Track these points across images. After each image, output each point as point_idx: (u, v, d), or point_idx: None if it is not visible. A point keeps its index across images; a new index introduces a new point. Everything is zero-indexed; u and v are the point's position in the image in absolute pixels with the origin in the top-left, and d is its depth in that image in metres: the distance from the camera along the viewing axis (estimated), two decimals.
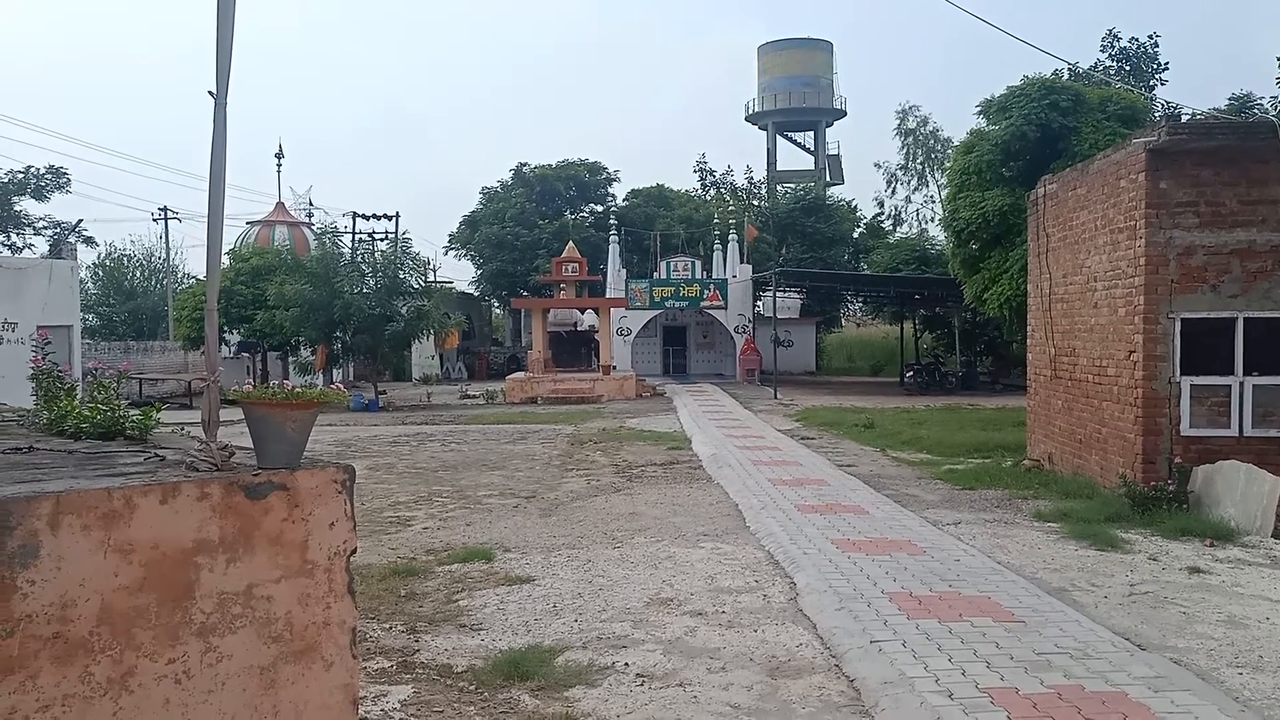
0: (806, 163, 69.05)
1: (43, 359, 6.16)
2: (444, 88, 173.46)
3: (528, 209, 48.60)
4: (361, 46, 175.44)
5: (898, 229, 53.87)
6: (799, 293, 44.19)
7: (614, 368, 33.49)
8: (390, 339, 30.35)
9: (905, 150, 54.99)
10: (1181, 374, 10.52)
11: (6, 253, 37.44)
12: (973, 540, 9.02)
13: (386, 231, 40.76)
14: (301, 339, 31.20)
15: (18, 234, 40.78)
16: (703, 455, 15.51)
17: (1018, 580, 7.52)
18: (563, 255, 35.83)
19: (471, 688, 5.39)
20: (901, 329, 40.28)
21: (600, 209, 51.66)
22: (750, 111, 70.02)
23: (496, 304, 54.10)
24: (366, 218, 41.38)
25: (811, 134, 69.57)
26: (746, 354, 37.59)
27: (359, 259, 32.26)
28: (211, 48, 3.56)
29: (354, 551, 3.50)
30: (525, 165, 51.40)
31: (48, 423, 4.84)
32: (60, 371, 5.86)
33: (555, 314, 37.28)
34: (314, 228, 41.39)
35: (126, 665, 2.99)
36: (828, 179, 63.36)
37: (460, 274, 68.12)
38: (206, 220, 3.59)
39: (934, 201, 52.72)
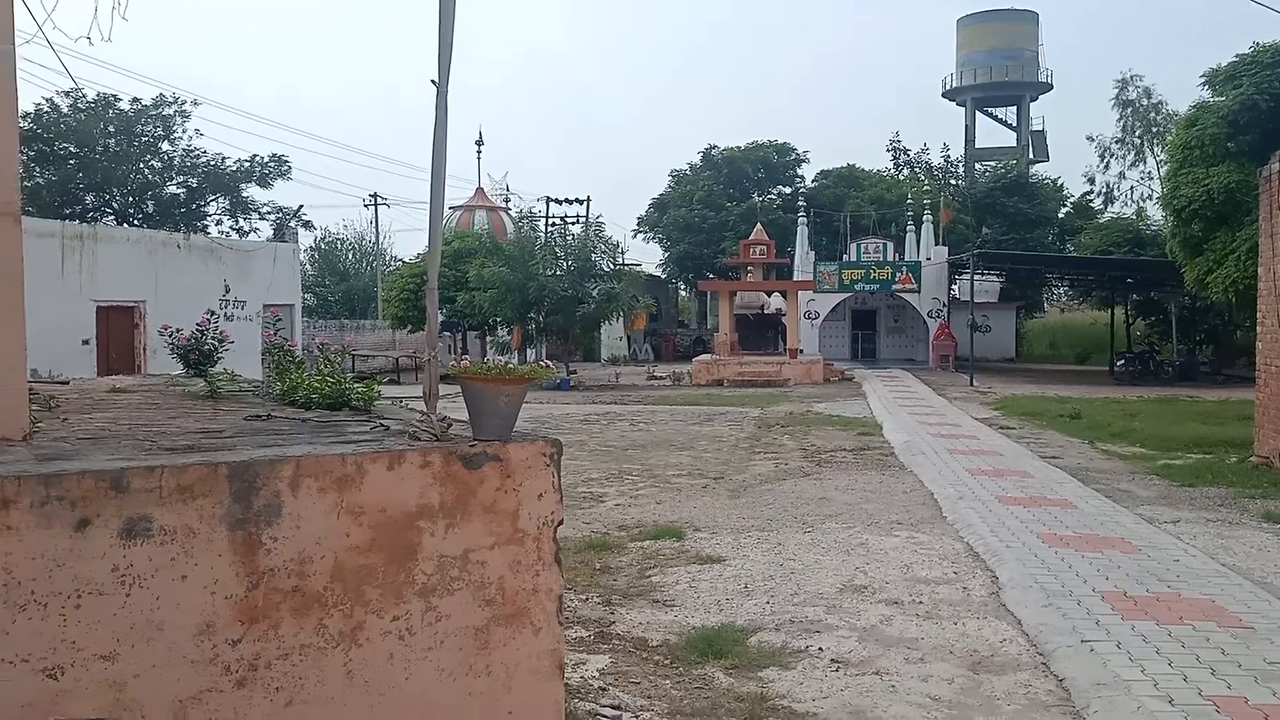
0: (1008, 139, 65.95)
1: (274, 334, 6.67)
2: (635, 71, 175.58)
3: (715, 191, 48.67)
4: (554, 31, 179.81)
5: (1110, 207, 50.69)
6: (998, 276, 42.35)
7: (801, 351, 33.13)
8: (581, 320, 31.15)
9: (1122, 123, 51.49)
10: None
11: (235, 236, 40.55)
12: (1193, 540, 8.42)
13: (578, 215, 41.79)
14: (499, 319, 32.42)
15: (245, 219, 44.13)
16: (895, 442, 15.13)
17: (1244, 584, 6.96)
18: (750, 237, 35.66)
19: (666, 662, 5.47)
20: (1112, 314, 37.94)
21: (789, 190, 51.13)
22: (947, 87, 67.44)
23: (683, 286, 54.49)
24: (559, 202, 42.54)
25: (1014, 109, 66.35)
26: (940, 339, 36.37)
27: (553, 242, 33.20)
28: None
29: (560, 522, 3.60)
30: (714, 148, 51.46)
31: (281, 393, 5.21)
32: (289, 346, 6.32)
33: (742, 296, 37.19)
34: (511, 212, 42.88)
35: (356, 620, 3.19)
36: (1031, 156, 60.29)
37: (648, 256, 69.06)
38: (429, 201, 3.77)
39: (1152, 178, 49.27)
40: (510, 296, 29.68)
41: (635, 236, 54.29)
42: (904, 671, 5.36)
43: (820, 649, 5.69)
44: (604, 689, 5.00)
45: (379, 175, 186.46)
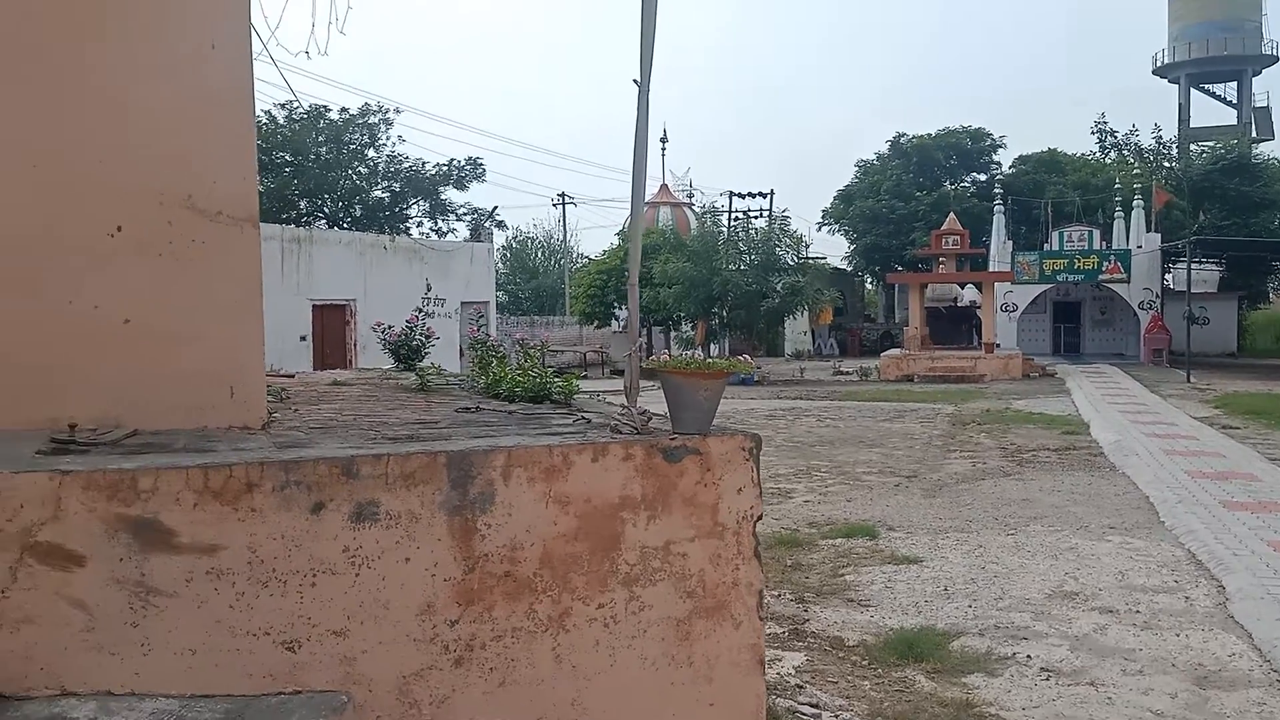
0: (1227, 117, 61.02)
1: (477, 330, 6.96)
2: (820, 61, 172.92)
3: (904, 181, 47.24)
4: (738, 25, 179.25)
5: None
6: (1218, 264, 39.25)
7: (997, 345, 31.77)
8: (765, 315, 30.92)
9: None
10: None
11: (435, 237, 42.49)
12: None
13: (761, 209, 41.48)
14: (682, 315, 32.63)
15: (443, 220, 46.17)
16: (1103, 442, 14.29)
17: None
18: (942, 227, 34.44)
19: (864, 662, 5.37)
20: None
21: (983, 178, 49.04)
22: (1158, 64, 63.06)
23: (869, 279, 53.28)
24: (742, 196, 42.28)
25: (1234, 85, 61.37)
26: (1152, 333, 34.07)
27: (736, 237, 33.11)
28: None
29: (760, 517, 3.58)
30: (902, 135, 49.97)
31: (485, 386, 5.42)
32: (492, 342, 6.57)
33: (933, 289, 36.00)
34: (694, 208, 43.06)
35: (564, 606, 3.28)
36: (1254, 134, 55.61)
37: (833, 249, 67.84)
38: (631, 198, 3.83)
39: None
40: (694, 292, 29.82)
41: (820, 229, 53.39)
42: (1121, 683, 5.06)
43: (1029, 656, 5.44)
44: (800, 686, 4.95)
45: (567, 175, 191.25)
